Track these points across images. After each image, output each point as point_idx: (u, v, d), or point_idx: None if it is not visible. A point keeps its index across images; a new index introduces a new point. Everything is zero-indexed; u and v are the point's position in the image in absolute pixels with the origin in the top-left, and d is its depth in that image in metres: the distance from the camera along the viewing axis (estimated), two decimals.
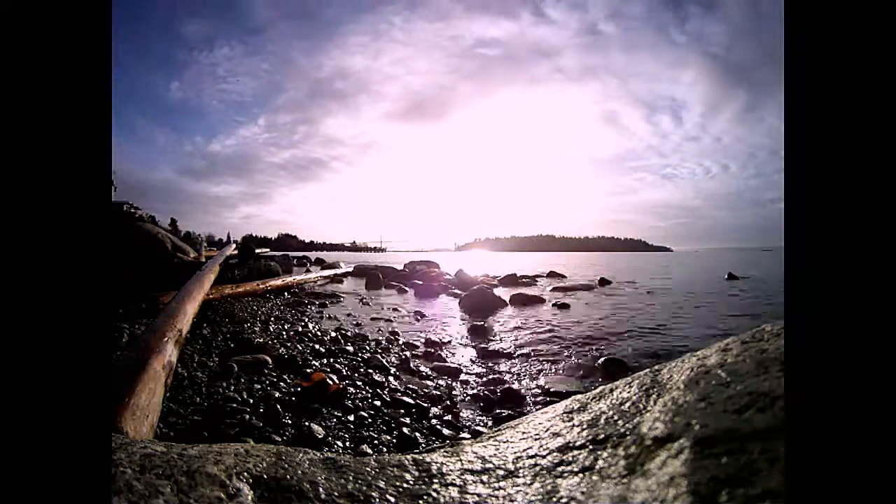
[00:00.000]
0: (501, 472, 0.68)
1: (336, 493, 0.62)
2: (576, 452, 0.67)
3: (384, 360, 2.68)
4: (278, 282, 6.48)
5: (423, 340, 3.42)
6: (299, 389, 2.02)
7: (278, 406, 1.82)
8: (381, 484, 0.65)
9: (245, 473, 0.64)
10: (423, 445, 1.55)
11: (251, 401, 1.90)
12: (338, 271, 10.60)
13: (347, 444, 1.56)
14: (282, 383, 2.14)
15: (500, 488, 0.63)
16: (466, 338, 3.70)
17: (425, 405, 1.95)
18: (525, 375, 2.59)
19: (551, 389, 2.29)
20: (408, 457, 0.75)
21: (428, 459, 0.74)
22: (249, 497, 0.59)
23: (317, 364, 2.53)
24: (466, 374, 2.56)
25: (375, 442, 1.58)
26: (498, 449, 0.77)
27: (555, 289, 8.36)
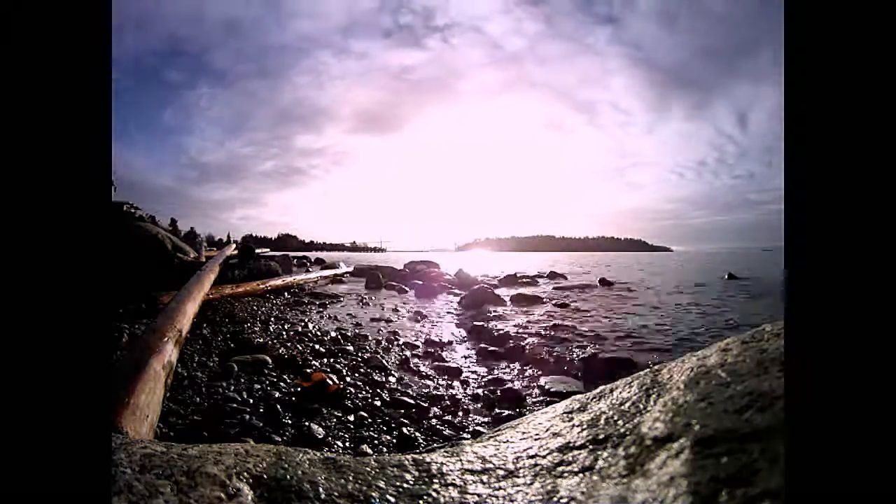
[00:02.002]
0: (501, 472, 0.68)
1: (336, 493, 0.62)
2: (576, 452, 0.67)
3: (384, 360, 2.68)
4: (278, 282, 6.47)
5: (423, 340, 3.42)
6: (299, 389, 2.02)
7: (278, 406, 1.82)
8: (381, 484, 0.65)
9: (245, 473, 0.64)
10: (423, 445, 1.55)
11: (251, 401, 1.90)
12: (338, 271, 10.59)
13: (347, 444, 1.56)
14: (282, 383, 2.14)
15: (500, 488, 0.63)
16: (466, 338, 3.70)
17: (425, 405, 1.95)
18: (525, 375, 2.59)
19: (551, 389, 2.29)
20: (408, 457, 0.75)
21: (428, 459, 0.74)
22: (249, 497, 0.59)
23: (317, 364, 2.53)
24: (466, 373, 2.56)
25: (375, 442, 1.58)
26: (498, 449, 0.77)
27: (555, 289, 8.36)
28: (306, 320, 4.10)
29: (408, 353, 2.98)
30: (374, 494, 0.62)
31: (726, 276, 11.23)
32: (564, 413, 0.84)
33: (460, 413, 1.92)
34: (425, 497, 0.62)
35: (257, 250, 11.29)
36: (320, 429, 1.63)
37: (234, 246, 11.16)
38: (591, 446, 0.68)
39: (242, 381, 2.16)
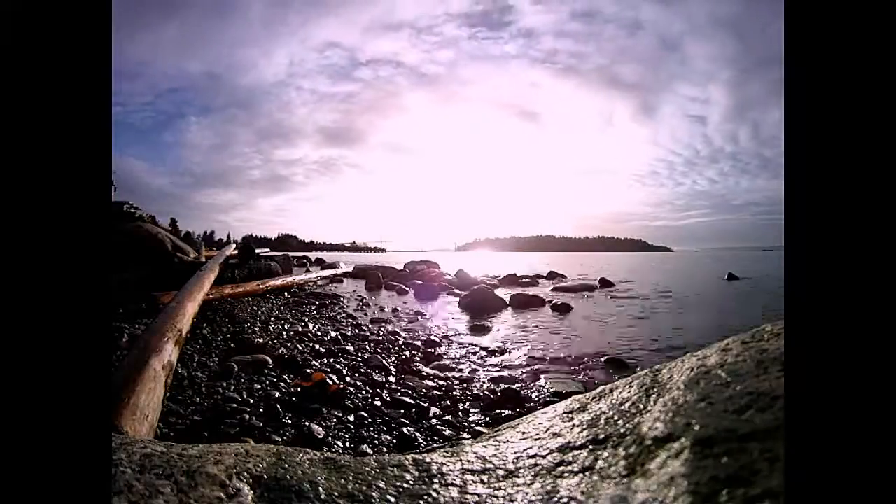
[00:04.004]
0: (501, 472, 0.68)
1: (336, 493, 0.62)
2: (576, 452, 0.67)
3: (384, 360, 2.68)
4: (278, 282, 6.47)
5: (423, 341, 3.42)
6: (299, 389, 2.02)
7: (278, 406, 1.82)
8: (381, 484, 0.65)
9: (245, 473, 0.64)
10: (423, 445, 1.55)
11: (251, 401, 1.90)
12: (338, 271, 10.59)
13: (347, 444, 1.56)
14: (282, 383, 2.14)
15: (500, 488, 0.63)
16: (466, 338, 3.70)
17: (425, 405, 1.95)
18: (525, 375, 2.59)
19: (551, 389, 2.29)
20: (408, 457, 0.75)
21: (428, 459, 0.74)
22: (249, 497, 0.59)
23: (317, 364, 2.53)
24: (466, 374, 2.56)
25: (375, 442, 1.58)
26: (498, 449, 0.77)
27: (555, 289, 8.35)
28: (306, 320, 4.10)
29: (408, 353, 2.98)
30: (374, 494, 0.62)
31: (726, 277, 11.22)
32: (564, 413, 0.84)
33: (460, 413, 1.91)
34: (425, 497, 0.62)
35: (257, 250, 11.29)
36: (320, 429, 1.63)
37: (234, 246, 11.15)
38: (591, 446, 0.68)
39: (242, 381, 2.16)
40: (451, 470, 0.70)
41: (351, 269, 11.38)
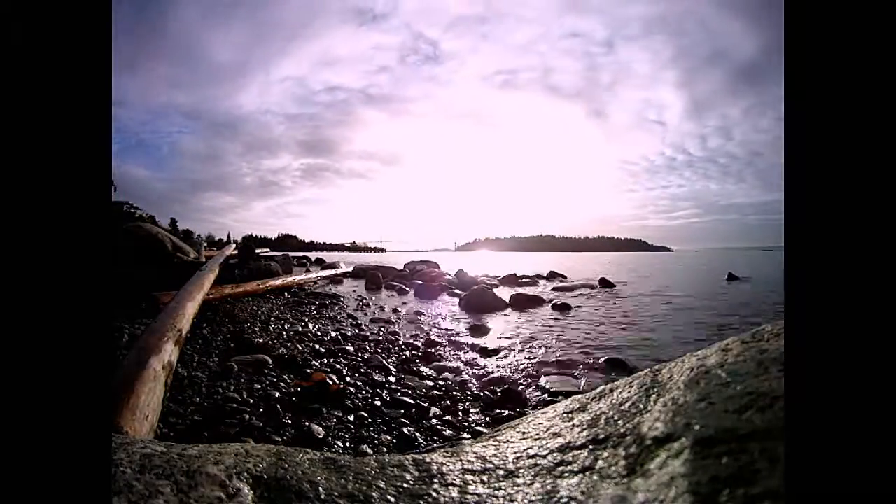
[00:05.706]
0: (501, 473, 0.68)
1: (336, 493, 0.62)
2: (576, 452, 0.67)
3: (384, 360, 2.68)
4: (278, 282, 6.47)
5: (423, 340, 3.42)
6: (299, 389, 2.02)
7: (278, 406, 1.82)
8: (381, 484, 0.65)
9: (245, 473, 0.64)
10: (424, 445, 1.55)
11: (251, 401, 1.90)
12: (338, 271, 10.60)
13: (347, 444, 1.56)
14: (282, 383, 2.14)
15: (500, 488, 0.63)
16: (467, 338, 3.70)
17: (425, 405, 1.95)
18: (525, 375, 2.59)
19: (551, 389, 2.29)
20: (408, 457, 0.75)
21: (428, 459, 0.74)
22: (249, 497, 0.59)
23: (317, 364, 2.53)
24: (466, 374, 2.56)
25: (375, 442, 1.58)
26: (498, 449, 0.77)
27: (555, 289, 8.35)
28: (306, 320, 4.10)
29: (408, 353, 2.98)
30: (373, 494, 0.62)
31: (726, 277, 11.22)
32: (564, 413, 0.84)
33: (460, 413, 1.91)
34: (425, 497, 0.62)
35: (257, 250, 11.29)
36: (320, 429, 1.63)
37: (234, 246, 11.15)
38: (591, 446, 0.68)
39: (242, 380, 2.16)
40: (451, 470, 0.70)
41: (351, 269, 11.38)
